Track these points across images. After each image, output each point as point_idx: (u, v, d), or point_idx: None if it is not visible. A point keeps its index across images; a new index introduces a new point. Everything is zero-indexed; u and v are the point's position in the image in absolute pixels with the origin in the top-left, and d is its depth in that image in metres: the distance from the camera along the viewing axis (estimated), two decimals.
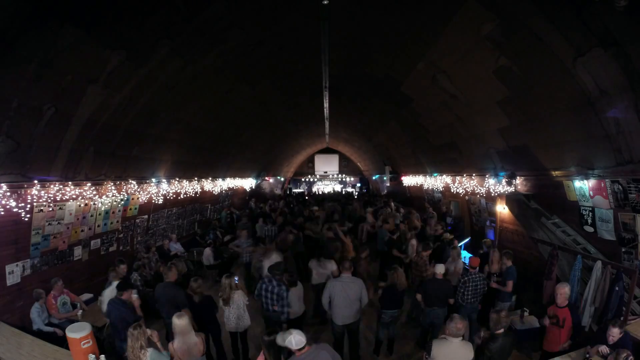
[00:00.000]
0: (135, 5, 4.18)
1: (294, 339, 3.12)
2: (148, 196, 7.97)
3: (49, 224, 5.54)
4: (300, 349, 3.13)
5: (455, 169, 9.81)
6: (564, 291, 4.20)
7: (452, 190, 10.03)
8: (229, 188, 14.08)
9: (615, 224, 4.91)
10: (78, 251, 6.40)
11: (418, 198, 14.80)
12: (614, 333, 3.56)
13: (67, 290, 5.58)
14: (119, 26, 4.28)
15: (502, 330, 3.63)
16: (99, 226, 6.85)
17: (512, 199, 7.28)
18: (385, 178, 17.63)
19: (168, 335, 4.75)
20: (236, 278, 5.00)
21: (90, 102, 4.99)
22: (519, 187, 7.03)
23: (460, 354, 3.46)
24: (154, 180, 8.09)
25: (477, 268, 5.40)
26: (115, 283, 4.96)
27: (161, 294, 4.91)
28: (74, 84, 4.52)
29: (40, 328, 4.97)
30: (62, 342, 4.45)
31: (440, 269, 5.23)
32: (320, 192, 26.31)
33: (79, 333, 3.83)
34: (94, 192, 6.12)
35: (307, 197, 21.95)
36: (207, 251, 8.65)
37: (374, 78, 8.48)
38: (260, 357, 3.38)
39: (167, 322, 4.68)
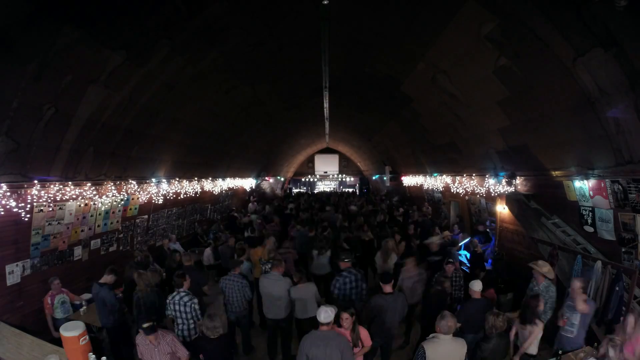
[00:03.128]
0: (135, 5, 4.17)
1: (324, 313, 3.53)
2: (148, 196, 7.96)
3: (49, 224, 5.54)
4: (323, 324, 3.53)
5: (455, 169, 9.81)
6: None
7: (452, 190, 10.03)
8: (229, 188, 14.08)
9: (615, 224, 4.91)
10: (78, 251, 6.40)
11: (418, 198, 14.80)
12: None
13: (67, 290, 5.58)
14: (119, 26, 4.28)
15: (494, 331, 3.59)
16: (99, 226, 6.85)
17: (512, 199, 7.28)
18: (385, 178, 17.61)
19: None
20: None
21: (90, 102, 4.99)
22: (519, 187, 7.03)
23: (454, 351, 3.40)
24: (154, 180, 8.08)
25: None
26: None
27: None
28: (74, 84, 4.52)
29: None
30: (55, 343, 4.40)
31: (477, 286, 4.55)
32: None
33: (75, 331, 3.82)
34: (94, 192, 6.11)
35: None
36: (207, 251, 8.66)
37: (374, 78, 8.47)
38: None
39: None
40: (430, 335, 3.50)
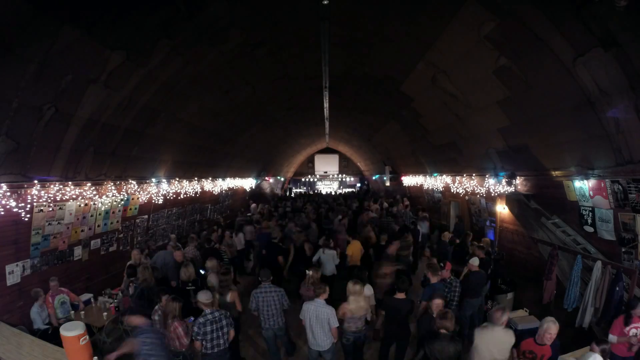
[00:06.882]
0: (135, 5, 4.18)
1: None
2: (148, 196, 7.97)
3: (49, 224, 5.54)
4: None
5: (455, 169, 9.81)
6: (553, 331, 3.50)
7: (452, 190, 10.03)
8: (229, 188, 14.08)
9: (615, 224, 4.91)
10: (78, 251, 6.40)
11: (418, 198, 14.81)
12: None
13: (67, 290, 5.58)
14: (119, 26, 4.28)
15: (444, 331, 3.53)
16: (99, 226, 6.85)
17: (512, 199, 7.28)
18: (385, 178, 17.61)
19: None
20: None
21: (90, 102, 4.99)
22: (519, 187, 7.03)
23: (502, 340, 3.59)
24: (154, 180, 8.09)
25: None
26: None
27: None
28: (74, 84, 4.52)
29: (40, 327, 4.98)
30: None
31: (475, 261, 5.73)
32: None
33: (74, 331, 3.83)
34: (94, 192, 6.11)
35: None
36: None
37: (374, 78, 8.48)
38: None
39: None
40: (484, 324, 3.78)
